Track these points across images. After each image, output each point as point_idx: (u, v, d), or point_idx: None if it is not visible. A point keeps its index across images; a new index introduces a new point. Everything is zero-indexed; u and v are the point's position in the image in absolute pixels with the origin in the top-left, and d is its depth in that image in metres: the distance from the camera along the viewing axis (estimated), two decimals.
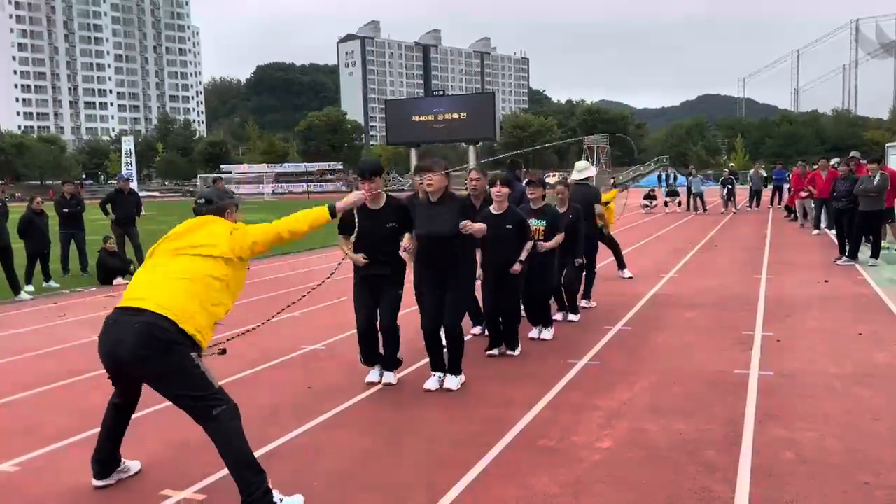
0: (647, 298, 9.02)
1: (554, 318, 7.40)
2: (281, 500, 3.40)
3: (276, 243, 3.82)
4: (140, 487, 3.83)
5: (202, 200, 3.88)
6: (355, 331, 5.63)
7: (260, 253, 3.79)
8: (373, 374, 5.65)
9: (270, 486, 3.40)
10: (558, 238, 6.75)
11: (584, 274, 8.47)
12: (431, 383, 5.43)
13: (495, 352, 6.32)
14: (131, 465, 3.95)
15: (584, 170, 9.16)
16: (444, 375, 5.48)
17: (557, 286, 7.45)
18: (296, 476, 3.87)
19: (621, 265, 10.76)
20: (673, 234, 18.21)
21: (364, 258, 5.33)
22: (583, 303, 8.48)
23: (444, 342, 5.47)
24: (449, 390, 5.37)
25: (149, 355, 3.32)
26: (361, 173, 5.31)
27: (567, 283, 7.62)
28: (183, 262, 3.56)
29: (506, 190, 6.07)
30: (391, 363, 5.63)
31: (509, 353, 6.30)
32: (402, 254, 5.44)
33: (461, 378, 5.50)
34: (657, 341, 6.82)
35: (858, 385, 5.29)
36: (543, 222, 6.70)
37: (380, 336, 5.55)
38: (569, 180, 8.54)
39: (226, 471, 3.75)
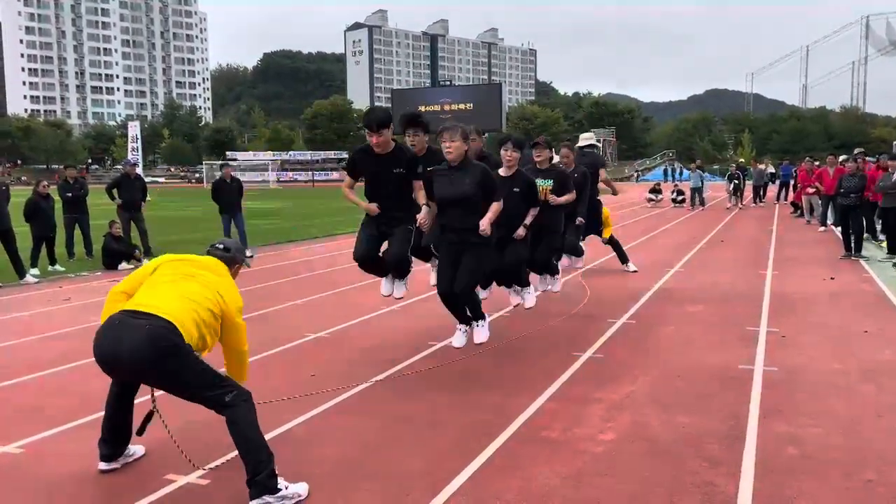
0: (651, 293, 9.00)
1: (557, 277, 7.41)
2: (286, 487, 3.41)
3: (236, 345, 3.85)
4: (144, 471, 3.84)
5: (221, 247, 4.01)
6: (360, 319, 5.64)
7: (221, 336, 3.79)
8: (385, 285, 5.72)
9: (276, 472, 3.41)
10: (570, 195, 6.75)
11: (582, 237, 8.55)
12: (458, 340, 5.51)
13: (484, 294, 6.41)
14: (135, 449, 3.97)
15: (588, 138, 9.35)
16: (470, 328, 5.55)
17: (560, 249, 7.45)
18: (298, 463, 3.87)
19: (624, 260, 10.73)
20: (678, 229, 18.17)
21: (377, 207, 5.32)
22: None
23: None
24: (480, 343, 5.57)
25: (158, 356, 3.34)
26: (369, 125, 5.28)
27: (569, 249, 7.65)
28: (194, 287, 3.64)
29: (516, 154, 6.03)
30: (401, 273, 5.71)
31: (526, 304, 6.37)
32: (420, 222, 5.39)
33: (486, 324, 5.60)
34: (661, 335, 6.81)
35: (863, 382, 5.27)
36: (550, 182, 6.69)
37: (382, 262, 5.60)
38: (576, 147, 8.66)
39: (230, 455, 3.77)
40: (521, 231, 6.03)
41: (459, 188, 5.23)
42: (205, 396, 3.46)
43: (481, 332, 5.53)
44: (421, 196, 5.45)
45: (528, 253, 6.45)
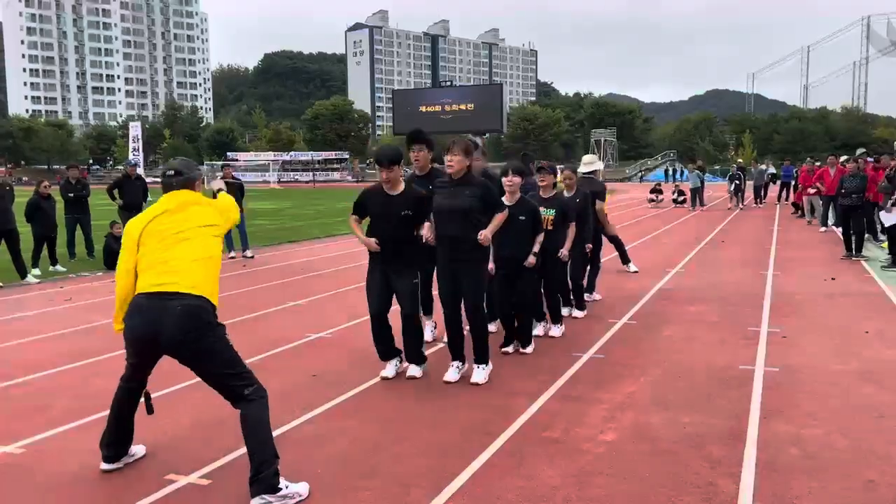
0: (652, 293, 9.00)
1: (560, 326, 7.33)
2: (286, 487, 3.41)
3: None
4: (145, 471, 3.84)
5: (171, 172, 3.79)
6: (361, 319, 5.63)
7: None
8: (388, 370, 5.53)
9: (279, 471, 3.42)
10: (571, 232, 6.72)
11: (589, 267, 8.46)
12: (451, 375, 5.34)
13: (510, 349, 6.22)
14: (137, 449, 3.97)
15: (591, 163, 9.12)
16: (466, 366, 5.44)
17: (566, 279, 7.42)
18: (300, 463, 3.88)
19: (625, 260, 10.73)
20: (679, 229, 18.17)
21: (376, 243, 5.29)
22: (586, 296, 8.46)
23: (465, 328, 5.43)
24: (476, 384, 5.26)
25: (194, 336, 3.42)
26: (379, 161, 5.28)
27: (573, 276, 7.59)
28: (199, 242, 3.62)
29: (518, 179, 6.00)
30: (416, 357, 5.53)
31: (522, 351, 6.22)
32: (425, 238, 5.37)
33: (489, 369, 5.42)
34: (662, 335, 6.81)
35: (864, 382, 5.27)
36: (553, 211, 6.67)
37: (391, 330, 5.50)
38: (578, 172, 8.53)
39: (231, 456, 3.78)
40: (531, 259, 5.98)
41: (458, 200, 5.21)
42: (226, 384, 3.50)
43: (479, 374, 5.36)
44: (426, 229, 5.43)
45: (536, 290, 6.40)
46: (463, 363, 5.45)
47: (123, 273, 3.67)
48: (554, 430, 4.36)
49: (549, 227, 6.55)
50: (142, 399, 3.83)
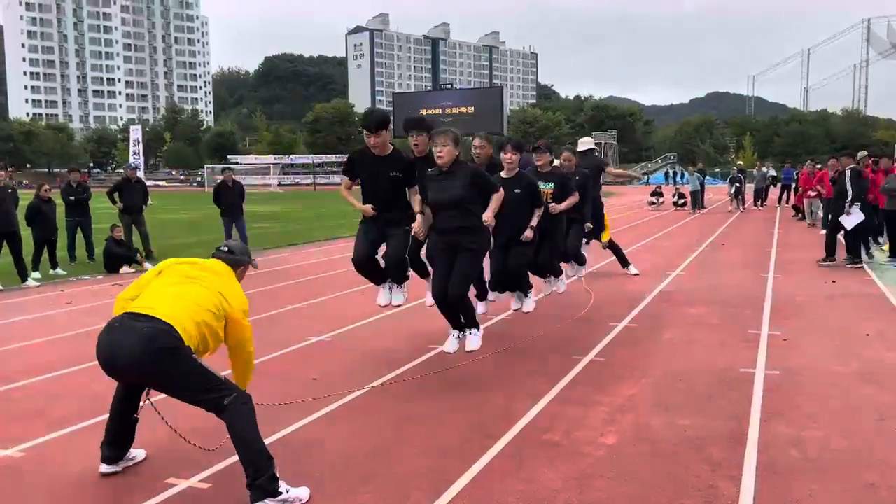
0: (653, 295, 9.00)
1: (561, 278, 7.39)
2: (287, 491, 3.40)
3: (242, 346, 3.83)
4: (145, 475, 3.84)
5: (226, 249, 4.00)
6: (362, 322, 5.64)
7: (223, 341, 3.78)
8: (382, 295, 5.70)
9: (277, 475, 3.41)
10: (572, 199, 6.74)
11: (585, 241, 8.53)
12: (450, 345, 5.48)
13: (482, 309, 6.37)
14: (137, 452, 3.96)
15: (587, 142, 9.44)
16: (463, 335, 5.51)
17: (563, 251, 7.44)
18: (300, 466, 3.87)
19: (625, 263, 10.73)
20: (680, 232, 18.16)
21: (373, 208, 5.33)
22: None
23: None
24: (472, 351, 5.51)
25: (155, 359, 3.36)
26: (367, 126, 5.30)
27: (572, 247, 7.64)
28: (196, 288, 3.64)
29: (516, 156, 6.04)
30: (399, 279, 5.68)
31: (524, 308, 6.32)
32: (415, 231, 5.43)
33: (479, 333, 5.56)
34: (663, 338, 6.80)
35: (865, 384, 5.27)
36: (552, 185, 6.69)
37: (379, 265, 5.60)
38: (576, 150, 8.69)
39: (231, 459, 3.77)
40: (528, 233, 6.02)
41: (451, 191, 5.24)
42: (203, 399, 3.45)
43: (473, 340, 5.50)
44: (416, 203, 5.45)
45: (532, 257, 6.45)
46: (461, 331, 5.54)
47: (121, 299, 3.76)
48: (554, 433, 4.36)
49: (549, 201, 6.58)
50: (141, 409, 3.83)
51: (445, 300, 5.42)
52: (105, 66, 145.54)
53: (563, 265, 7.62)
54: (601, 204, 9.14)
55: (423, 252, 6.14)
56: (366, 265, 5.59)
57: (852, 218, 10.97)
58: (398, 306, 5.94)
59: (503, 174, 6.03)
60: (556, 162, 7.42)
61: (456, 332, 5.57)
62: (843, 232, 12.09)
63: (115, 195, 13.35)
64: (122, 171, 17.24)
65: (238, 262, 3.99)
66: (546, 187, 6.63)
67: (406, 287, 5.90)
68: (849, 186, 10.98)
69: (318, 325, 7.45)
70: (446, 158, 5.27)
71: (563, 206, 6.66)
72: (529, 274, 6.82)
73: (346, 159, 5.61)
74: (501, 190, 5.40)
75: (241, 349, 3.85)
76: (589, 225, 7.88)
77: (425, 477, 3.76)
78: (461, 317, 5.58)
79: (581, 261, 7.84)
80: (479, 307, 7.03)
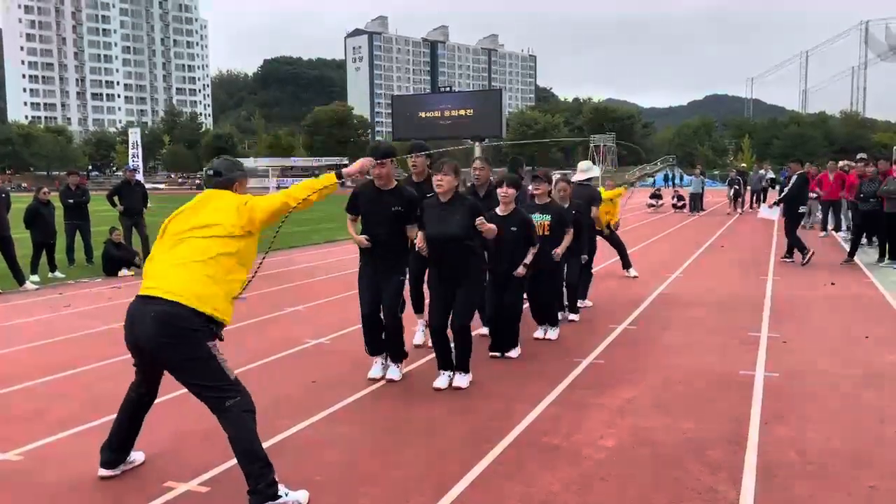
0: (652, 298, 8.99)
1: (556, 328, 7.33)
2: (286, 494, 3.39)
3: (284, 213, 3.72)
4: (144, 478, 3.83)
5: (211, 172, 3.83)
6: (360, 325, 5.64)
7: (270, 224, 3.72)
8: (375, 370, 5.62)
9: (276, 480, 3.40)
10: (568, 238, 6.71)
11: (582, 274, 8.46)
12: (441, 382, 5.39)
13: (497, 353, 6.27)
14: (135, 456, 3.95)
15: (587, 170, 9.09)
16: (454, 374, 5.45)
17: (561, 287, 7.43)
18: (299, 470, 3.86)
19: (626, 264, 10.73)
20: (679, 234, 18.17)
21: (367, 240, 5.34)
22: (578, 303, 8.47)
23: (451, 342, 5.44)
24: (458, 388, 5.34)
25: (164, 344, 3.38)
26: (373, 154, 5.33)
27: (569, 281, 7.60)
28: (192, 245, 3.54)
29: (512, 191, 6.03)
30: (396, 354, 5.59)
31: (508, 355, 6.23)
32: (418, 247, 5.41)
33: (469, 377, 5.47)
34: (662, 341, 6.80)
35: (865, 387, 5.26)
36: (548, 217, 6.67)
37: (383, 326, 5.54)
38: (573, 179, 8.53)
39: (229, 463, 3.76)
40: (520, 270, 5.99)
41: (449, 227, 5.23)
42: (206, 395, 3.45)
43: (461, 380, 5.41)
44: (413, 233, 5.46)
45: (523, 299, 6.41)
46: (452, 371, 5.46)
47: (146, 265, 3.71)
48: (554, 436, 4.35)
49: (546, 233, 6.57)
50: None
51: (442, 332, 5.37)
52: (104, 69, 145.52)
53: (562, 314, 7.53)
54: (595, 246, 8.96)
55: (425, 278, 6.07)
56: (374, 323, 5.50)
57: (771, 212, 12.63)
58: (392, 381, 5.59)
59: (499, 211, 5.98)
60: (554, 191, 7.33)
61: (446, 372, 5.48)
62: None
63: (115, 198, 13.33)
64: (120, 173, 17.21)
65: (229, 181, 3.82)
66: (542, 219, 6.63)
67: (401, 366, 5.72)
68: (788, 188, 12.16)
69: (317, 328, 7.44)
70: (445, 188, 5.27)
71: (562, 248, 6.65)
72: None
73: (350, 195, 5.60)
74: (495, 228, 5.40)
75: (285, 207, 3.68)
76: (585, 257, 7.87)
77: (425, 480, 3.76)
78: (452, 356, 5.47)
79: (575, 309, 7.78)
80: (482, 329, 6.87)
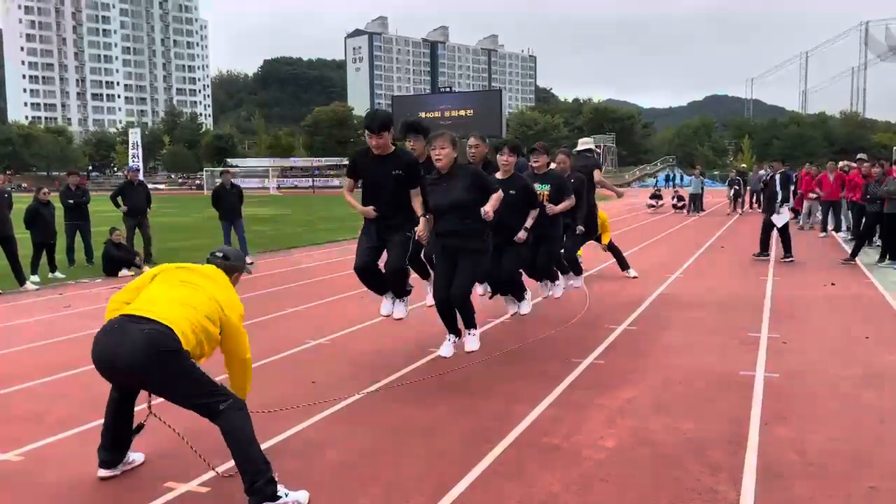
0: (652, 298, 8.99)
1: (557, 282, 7.39)
2: (286, 495, 3.39)
3: (237, 353, 3.83)
4: (144, 479, 3.83)
5: (220, 255, 4.02)
6: (360, 325, 5.63)
7: (217, 345, 3.77)
8: (385, 305, 5.66)
9: (275, 479, 3.40)
10: (568, 202, 6.73)
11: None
12: (446, 350, 5.42)
13: (484, 291, 6.35)
14: (135, 456, 3.96)
15: (586, 142, 9.42)
16: (460, 339, 5.49)
17: (558, 255, 7.44)
18: (299, 470, 3.86)
19: (624, 266, 10.73)
20: (678, 235, 18.17)
21: (374, 210, 5.32)
22: (572, 282, 8.50)
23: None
24: (471, 352, 5.44)
25: (153, 362, 3.36)
26: (369, 127, 5.28)
27: (567, 252, 7.64)
28: (192, 293, 3.65)
29: (513, 158, 6.05)
30: (399, 291, 5.61)
31: (521, 311, 6.30)
32: (418, 235, 5.41)
33: (477, 334, 5.51)
34: (662, 341, 6.80)
35: (865, 387, 5.26)
36: (548, 186, 6.70)
37: (381, 274, 5.55)
38: (573, 152, 8.68)
39: (229, 463, 3.75)
40: (521, 234, 6.02)
41: (453, 194, 5.25)
42: (199, 404, 3.45)
43: (471, 341, 5.46)
44: (418, 205, 5.44)
45: (527, 259, 6.44)
46: (458, 336, 5.48)
47: (115, 301, 3.77)
48: (554, 437, 4.35)
49: (546, 202, 6.59)
50: (136, 408, 3.81)
51: (446, 304, 5.41)
52: (104, 70, 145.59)
53: (560, 274, 7.60)
54: (595, 206, 9.07)
55: (422, 253, 6.13)
56: (368, 274, 5.55)
57: (782, 217, 12.14)
58: (400, 319, 5.84)
59: (499, 175, 6.05)
60: (553, 165, 7.41)
61: (452, 337, 5.53)
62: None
63: (118, 198, 13.30)
64: (120, 173, 17.19)
65: (233, 267, 4.01)
66: (542, 189, 6.64)
67: (408, 301, 5.83)
68: (778, 189, 12.15)
69: (317, 329, 7.43)
70: (445, 161, 5.27)
71: (560, 207, 6.65)
72: (526, 277, 6.80)
73: (348, 161, 5.59)
74: (500, 191, 5.41)
75: (238, 356, 3.85)
76: (581, 228, 7.88)
77: (424, 481, 3.75)
78: (459, 320, 5.56)
79: (577, 270, 7.84)
80: (479, 288, 6.82)
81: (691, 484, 3.68)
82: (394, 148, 5.42)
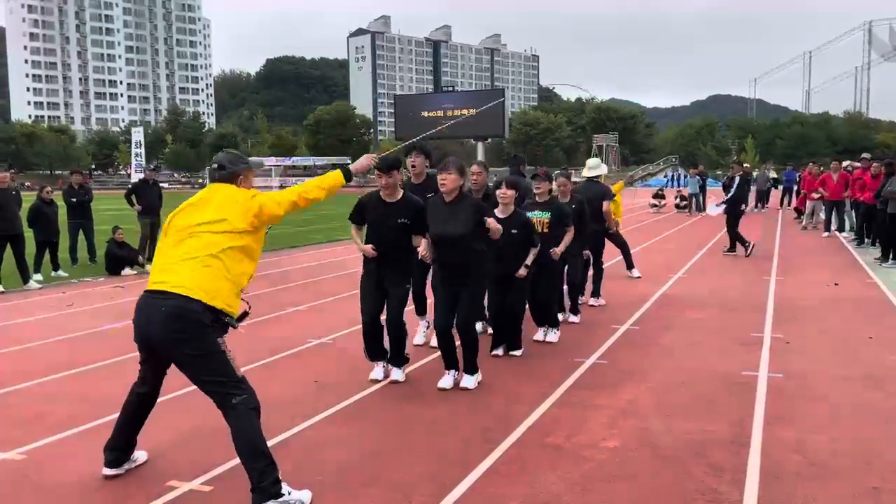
0: (655, 298, 8.98)
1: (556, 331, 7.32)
2: (289, 493, 3.39)
3: (292, 210, 3.76)
4: (147, 478, 3.83)
5: (215, 165, 3.81)
6: (361, 325, 5.63)
7: (278, 219, 3.75)
8: (376, 371, 5.60)
9: (280, 478, 3.40)
10: (568, 237, 6.70)
11: (592, 271, 8.45)
12: (446, 382, 5.36)
13: (499, 352, 6.26)
14: (138, 455, 3.95)
15: (595, 167, 9.09)
16: (459, 374, 5.44)
17: (560, 286, 7.40)
18: (301, 470, 3.86)
19: (629, 265, 10.72)
20: (681, 235, 18.15)
21: (373, 249, 5.32)
22: (591, 301, 8.49)
23: (457, 341, 5.43)
24: (465, 389, 5.30)
25: (176, 338, 3.39)
26: (379, 167, 5.31)
27: (570, 280, 7.59)
28: (200, 240, 3.54)
29: (511, 193, 6.01)
30: (398, 359, 5.59)
31: (512, 353, 6.25)
32: (421, 255, 5.44)
33: (478, 377, 5.44)
34: (665, 341, 6.79)
35: (868, 388, 5.25)
36: (548, 214, 6.67)
37: (384, 331, 5.54)
38: (581, 175, 8.58)
39: (232, 462, 3.76)
40: (522, 271, 5.99)
41: (454, 227, 5.21)
42: (213, 390, 3.47)
43: (470, 381, 5.37)
44: (421, 244, 5.46)
45: (526, 299, 6.40)
46: (457, 371, 5.45)
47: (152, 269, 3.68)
48: (556, 437, 4.35)
49: (545, 230, 6.56)
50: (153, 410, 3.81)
51: (447, 333, 5.36)
52: (107, 68, 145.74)
53: (562, 315, 7.50)
54: (603, 242, 8.94)
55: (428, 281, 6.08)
56: (375, 327, 5.51)
57: (718, 209, 13.79)
58: (396, 381, 5.57)
59: (498, 213, 5.94)
60: (555, 186, 7.32)
61: (452, 372, 5.44)
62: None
63: (133, 197, 13.26)
64: (124, 172, 17.18)
65: (233, 174, 3.79)
66: (543, 216, 6.62)
67: (404, 369, 5.71)
68: (734, 189, 13.35)
69: (319, 328, 7.44)
70: (450, 187, 5.25)
71: (562, 248, 6.62)
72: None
73: (355, 204, 5.59)
74: (500, 228, 5.39)
75: (294, 203, 3.72)
76: (587, 252, 7.85)
77: (427, 481, 3.75)
78: (462, 357, 5.47)
79: (576, 310, 7.75)
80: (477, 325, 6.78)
81: (694, 485, 3.67)
82: (402, 193, 5.41)
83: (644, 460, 3.99)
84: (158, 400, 3.82)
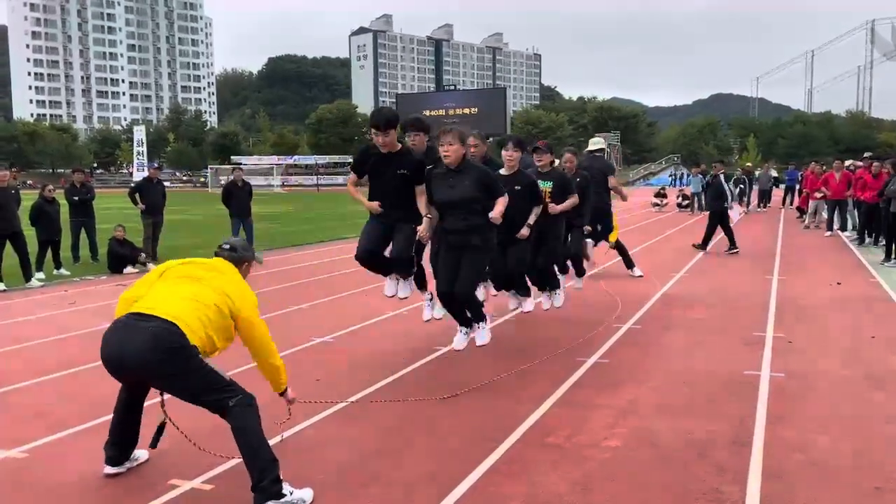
0: (656, 297, 8.97)
1: (558, 292, 7.37)
2: (291, 493, 3.40)
3: (254, 343, 3.75)
4: (148, 476, 3.83)
5: (227, 247, 3.96)
6: (364, 324, 5.63)
7: (244, 333, 3.72)
8: (388, 286, 5.65)
9: (281, 477, 3.40)
10: (572, 200, 6.71)
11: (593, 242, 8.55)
12: (459, 342, 5.42)
13: (512, 304, 6.37)
14: (140, 453, 3.96)
15: (597, 143, 9.42)
16: (472, 330, 5.49)
17: (563, 255, 7.42)
18: (302, 469, 3.86)
19: (629, 264, 10.72)
20: (683, 234, 18.12)
21: (379, 206, 5.32)
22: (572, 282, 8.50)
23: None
24: (482, 345, 5.44)
25: (159, 359, 3.35)
26: (376, 125, 5.26)
27: (574, 251, 7.63)
28: (199, 287, 3.62)
29: (517, 154, 6.03)
30: (405, 270, 5.61)
31: (523, 308, 6.30)
32: (419, 235, 5.41)
33: (487, 327, 5.52)
34: (666, 340, 6.78)
35: (871, 388, 5.24)
36: (550, 184, 6.68)
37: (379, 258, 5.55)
38: (584, 151, 8.67)
39: (234, 461, 3.76)
40: (524, 231, 6.00)
41: (459, 191, 5.22)
42: (207, 400, 3.45)
43: (482, 335, 5.48)
44: (422, 205, 5.43)
45: (530, 257, 6.42)
46: (469, 328, 5.49)
47: (123, 299, 3.72)
48: (557, 436, 4.34)
49: (549, 200, 6.57)
50: (146, 408, 3.81)
51: (449, 297, 5.39)
52: (109, 67, 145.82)
53: (565, 278, 7.56)
54: (610, 206, 9.09)
55: (425, 255, 6.10)
56: (370, 260, 5.53)
57: (734, 211, 14.23)
58: (404, 298, 5.82)
59: (503, 171, 6.01)
60: (557, 162, 7.40)
61: (464, 329, 5.55)
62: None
63: (137, 195, 13.26)
64: (126, 171, 17.20)
65: (241, 258, 3.95)
66: (545, 186, 6.61)
67: (411, 281, 5.81)
68: (726, 188, 13.57)
69: (321, 327, 7.43)
70: (453, 157, 5.25)
71: (562, 206, 6.63)
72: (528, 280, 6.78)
73: (354, 156, 5.58)
74: (506, 195, 5.38)
75: (260, 348, 3.77)
76: (588, 228, 7.86)
77: (428, 480, 3.75)
78: (468, 312, 5.56)
79: (580, 271, 7.81)
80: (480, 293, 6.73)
81: (696, 484, 3.66)
82: (400, 146, 5.41)
83: (645, 460, 3.99)
84: (164, 400, 3.81)
